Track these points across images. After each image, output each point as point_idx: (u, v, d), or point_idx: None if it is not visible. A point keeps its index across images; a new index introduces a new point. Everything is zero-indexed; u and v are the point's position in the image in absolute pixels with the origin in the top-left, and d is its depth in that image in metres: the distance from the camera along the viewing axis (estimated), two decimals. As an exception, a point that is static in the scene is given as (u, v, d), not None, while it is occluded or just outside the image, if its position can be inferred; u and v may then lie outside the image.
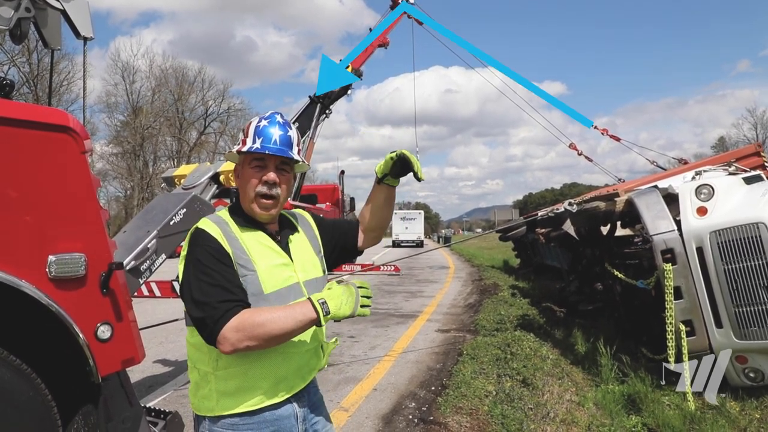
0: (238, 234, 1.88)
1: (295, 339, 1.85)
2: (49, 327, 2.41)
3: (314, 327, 1.86)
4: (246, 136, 1.94)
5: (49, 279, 2.39)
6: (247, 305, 1.78)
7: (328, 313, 1.74)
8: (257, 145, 1.89)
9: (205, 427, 1.85)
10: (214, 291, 1.73)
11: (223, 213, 1.98)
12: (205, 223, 1.88)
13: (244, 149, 1.91)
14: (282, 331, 1.72)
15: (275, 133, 1.92)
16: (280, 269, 1.90)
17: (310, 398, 2.00)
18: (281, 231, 2.02)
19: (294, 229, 2.08)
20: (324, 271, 2.10)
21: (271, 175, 1.90)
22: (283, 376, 1.86)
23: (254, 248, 1.88)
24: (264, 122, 1.94)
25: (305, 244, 2.07)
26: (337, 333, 8.45)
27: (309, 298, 1.77)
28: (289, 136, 1.95)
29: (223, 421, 1.82)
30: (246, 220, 1.94)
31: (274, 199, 1.91)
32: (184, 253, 1.87)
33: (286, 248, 1.97)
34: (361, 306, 1.79)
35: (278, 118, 1.97)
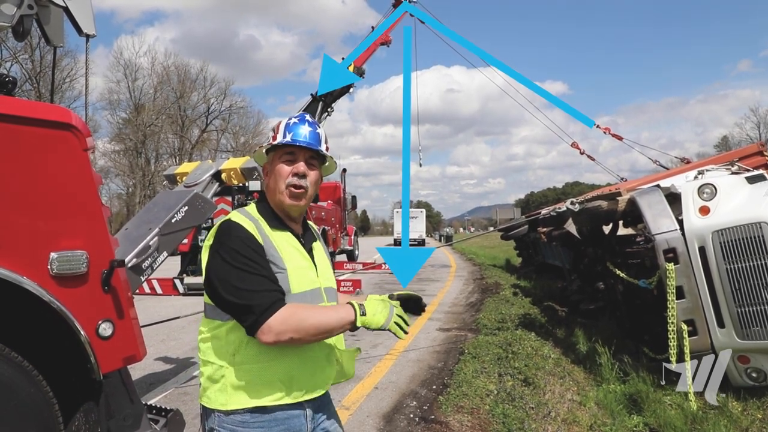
0: (269, 232, 1.91)
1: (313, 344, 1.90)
2: (50, 324, 2.42)
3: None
4: (276, 132, 2.00)
5: (50, 276, 2.39)
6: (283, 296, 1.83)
7: (364, 314, 1.82)
8: (288, 138, 1.96)
9: (215, 422, 1.85)
10: (258, 280, 1.78)
11: (251, 209, 2.00)
12: (238, 217, 1.91)
13: (275, 143, 1.97)
14: (327, 327, 1.80)
15: (305, 129, 1.99)
16: (306, 272, 1.94)
17: (320, 397, 1.99)
18: (305, 235, 2.07)
19: (314, 236, 2.14)
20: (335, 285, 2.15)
21: (301, 166, 1.96)
22: (297, 378, 1.86)
23: (284, 247, 1.91)
24: (294, 120, 2.02)
25: (324, 255, 2.13)
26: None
27: (350, 303, 1.85)
28: (318, 133, 2.03)
29: (234, 417, 1.82)
30: (275, 220, 1.97)
31: (303, 188, 1.96)
32: (210, 243, 1.89)
33: (310, 252, 2.02)
34: (395, 323, 1.85)
35: (308, 117, 2.06)
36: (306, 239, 2.05)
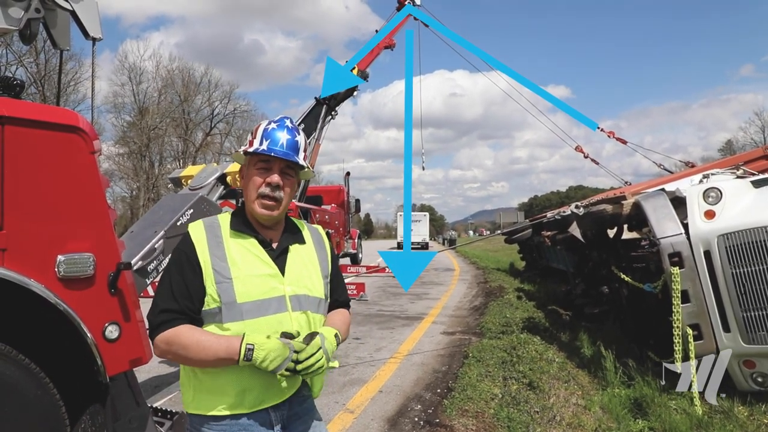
0: (226, 239, 1.89)
1: None
2: (57, 326, 2.42)
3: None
4: (254, 137, 1.95)
5: (57, 279, 2.40)
6: (192, 318, 1.81)
7: (249, 360, 1.72)
8: (264, 146, 1.91)
9: (188, 422, 1.92)
10: (166, 297, 1.81)
11: (224, 216, 1.99)
12: (195, 227, 1.92)
13: (251, 150, 1.92)
14: (200, 359, 1.76)
15: (282, 136, 1.93)
16: (263, 280, 1.87)
17: (293, 408, 1.94)
18: (282, 238, 1.99)
19: (300, 240, 2.03)
20: (325, 296, 2.03)
21: (275, 178, 1.90)
22: (249, 388, 1.82)
23: (239, 256, 1.87)
24: (273, 125, 1.96)
25: (310, 260, 2.02)
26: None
27: (243, 336, 1.76)
28: (297, 140, 1.96)
29: (201, 419, 1.85)
30: (243, 225, 1.93)
31: (276, 201, 1.90)
32: None
33: (279, 258, 1.93)
34: (287, 369, 1.74)
35: (287, 122, 1.98)
36: (281, 242, 1.97)
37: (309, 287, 1.95)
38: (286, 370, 1.75)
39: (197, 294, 1.82)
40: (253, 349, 1.72)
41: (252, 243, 1.91)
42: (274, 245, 1.96)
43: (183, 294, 1.80)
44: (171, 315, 1.78)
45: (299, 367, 1.77)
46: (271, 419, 1.87)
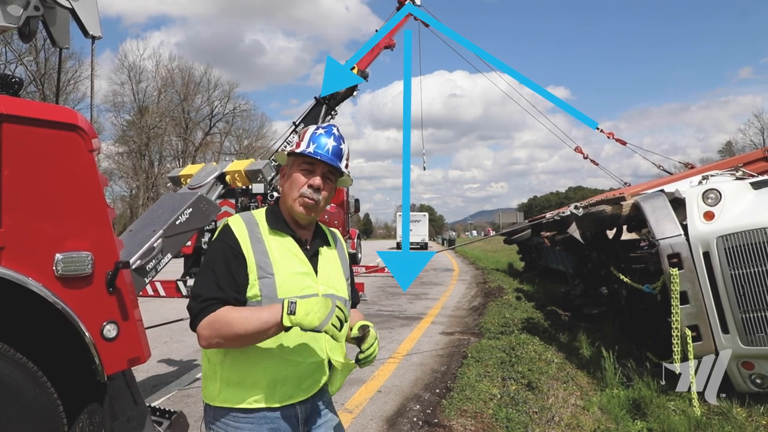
0: (266, 237, 1.93)
1: (298, 347, 1.89)
2: (55, 325, 2.42)
3: (318, 341, 1.92)
4: (301, 139, 2.01)
5: (56, 277, 2.39)
6: (232, 304, 1.81)
7: (293, 313, 1.71)
8: (310, 149, 1.96)
9: (210, 415, 1.92)
10: (210, 287, 1.81)
11: (259, 212, 2.02)
12: (235, 221, 1.94)
13: (298, 150, 1.98)
14: (246, 330, 1.73)
15: (329, 142, 1.99)
16: (300, 277, 1.92)
17: (315, 402, 2.00)
18: (314, 239, 2.06)
19: (327, 243, 2.11)
20: (349, 297, 2.11)
21: (317, 180, 1.96)
22: (282, 381, 1.87)
23: (278, 253, 1.91)
24: (321, 131, 2.02)
25: (335, 262, 2.10)
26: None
27: (283, 300, 1.77)
28: (341, 148, 2.03)
29: (226, 412, 1.87)
30: (279, 224, 1.97)
31: (315, 202, 1.96)
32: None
33: (313, 258, 2.00)
34: (332, 324, 1.73)
35: (335, 131, 2.05)
36: (313, 245, 2.03)
37: (337, 288, 2.03)
38: (332, 325, 1.73)
39: (243, 284, 1.84)
40: (295, 303, 1.73)
41: (290, 241, 1.96)
42: (308, 246, 2.02)
43: (230, 284, 1.82)
44: (213, 301, 1.78)
45: (361, 356, 1.88)
46: (297, 413, 1.92)
